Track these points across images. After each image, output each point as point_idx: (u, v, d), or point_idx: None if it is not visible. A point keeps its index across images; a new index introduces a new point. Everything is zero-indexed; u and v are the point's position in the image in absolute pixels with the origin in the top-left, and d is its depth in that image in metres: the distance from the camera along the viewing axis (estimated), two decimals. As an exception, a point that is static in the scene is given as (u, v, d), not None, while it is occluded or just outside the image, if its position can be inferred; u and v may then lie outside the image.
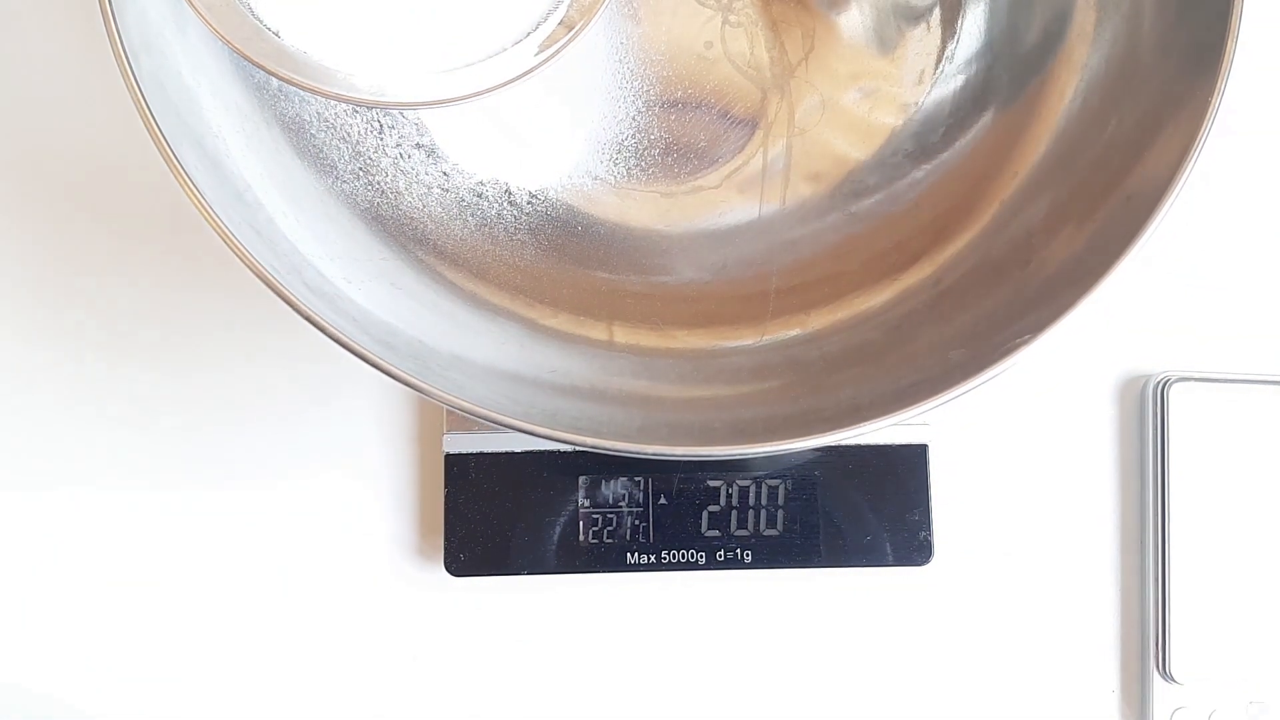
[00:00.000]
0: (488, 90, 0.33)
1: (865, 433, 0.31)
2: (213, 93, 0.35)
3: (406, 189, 0.42)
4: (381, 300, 0.36)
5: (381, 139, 0.41)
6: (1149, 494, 0.45)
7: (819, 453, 0.44)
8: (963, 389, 0.31)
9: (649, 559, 0.44)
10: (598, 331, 0.41)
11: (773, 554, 0.44)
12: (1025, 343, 0.31)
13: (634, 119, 0.44)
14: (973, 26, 0.42)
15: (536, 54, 0.34)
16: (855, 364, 0.37)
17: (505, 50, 0.34)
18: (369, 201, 0.40)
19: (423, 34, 0.33)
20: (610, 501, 0.44)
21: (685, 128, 0.44)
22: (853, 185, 0.43)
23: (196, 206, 0.31)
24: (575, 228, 0.43)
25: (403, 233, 0.41)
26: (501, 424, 0.31)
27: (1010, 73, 0.41)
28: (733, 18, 0.44)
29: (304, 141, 0.40)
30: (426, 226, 0.41)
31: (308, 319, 0.31)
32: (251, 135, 0.37)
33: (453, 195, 0.42)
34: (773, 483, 0.44)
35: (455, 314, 0.39)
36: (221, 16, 0.31)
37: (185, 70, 0.35)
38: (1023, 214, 0.38)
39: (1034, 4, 0.41)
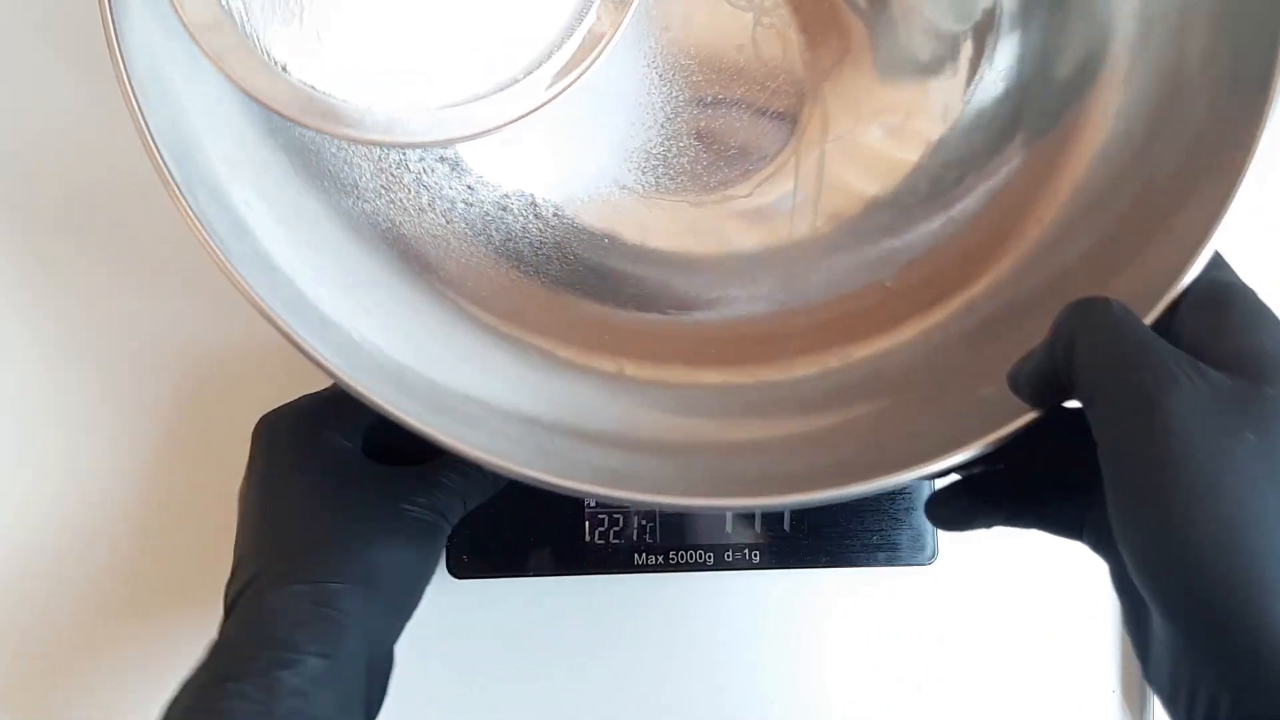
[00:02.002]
0: (506, 124, 0.32)
1: (898, 484, 0.30)
2: (215, 138, 0.35)
3: (430, 204, 0.41)
4: (393, 338, 0.36)
5: (404, 153, 0.41)
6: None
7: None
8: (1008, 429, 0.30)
9: (657, 560, 0.43)
10: (607, 365, 0.40)
11: (780, 555, 0.44)
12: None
13: (662, 125, 0.43)
14: (1007, 51, 0.40)
15: (549, 86, 0.33)
16: (885, 401, 0.36)
17: (519, 81, 0.33)
18: (390, 220, 0.40)
19: (435, 67, 0.32)
20: (617, 502, 0.43)
21: (715, 134, 0.43)
22: (888, 204, 0.41)
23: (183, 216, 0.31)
24: (602, 241, 0.42)
25: (425, 254, 0.40)
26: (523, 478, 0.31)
27: (1044, 103, 0.39)
28: (765, 19, 0.42)
29: (321, 162, 0.39)
30: (450, 244, 0.41)
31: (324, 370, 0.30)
32: (257, 163, 0.37)
33: (477, 210, 0.42)
34: None
35: (473, 349, 0.38)
36: (230, 58, 0.31)
37: (193, 111, 0.35)
38: (1060, 248, 0.36)
39: (1070, 29, 0.39)
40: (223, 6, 0.32)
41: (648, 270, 0.42)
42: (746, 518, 0.43)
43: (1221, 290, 0.29)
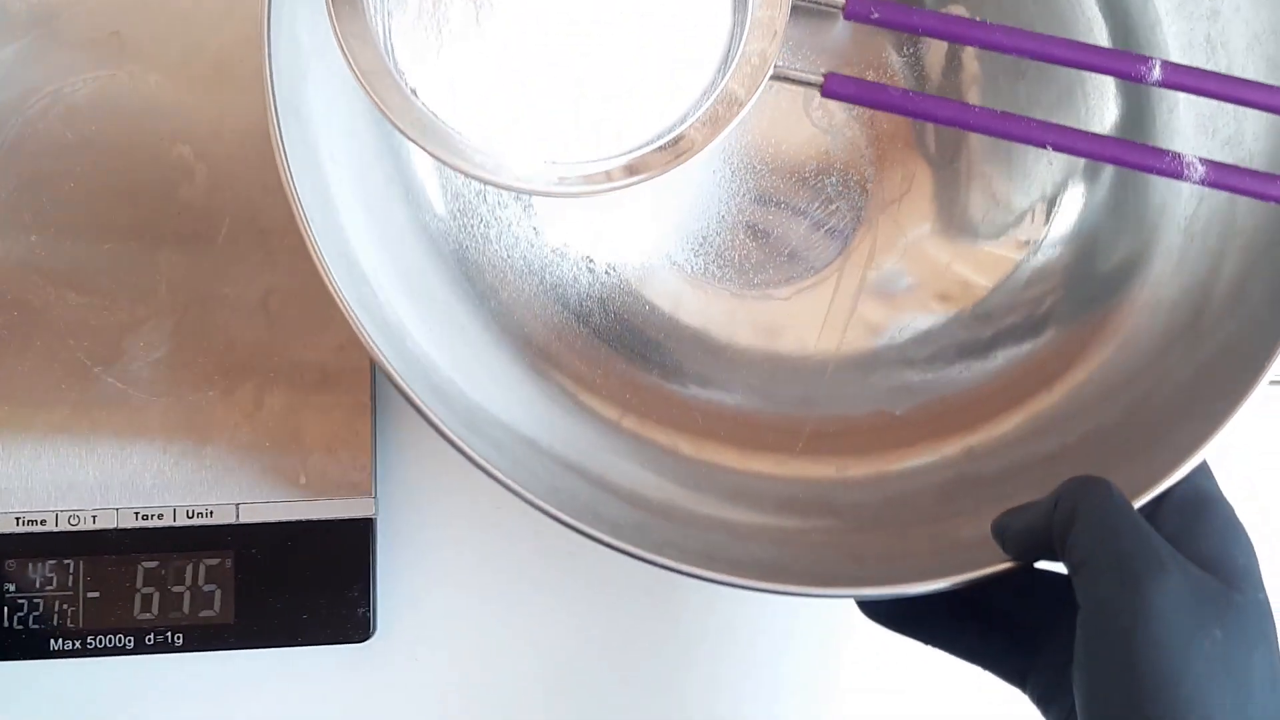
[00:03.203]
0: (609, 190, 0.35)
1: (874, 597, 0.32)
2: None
3: (497, 237, 0.43)
4: (443, 353, 0.38)
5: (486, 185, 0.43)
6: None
7: (260, 528, 0.43)
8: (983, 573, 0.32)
9: (74, 645, 0.42)
10: (628, 421, 0.43)
11: (207, 637, 0.42)
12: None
13: (723, 217, 0.45)
14: (1060, 235, 0.43)
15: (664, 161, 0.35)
16: (871, 518, 0.39)
17: (634, 151, 0.35)
18: (458, 243, 0.42)
19: (557, 124, 0.35)
20: (36, 585, 0.42)
21: (770, 235, 0.45)
22: (913, 341, 0.44)
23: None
24: (643, 306, 0.45)
25: (483, 279, 0.43)
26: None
27: (1084, 291, 0.42)
28: (839, 142, 0.45)
29: (409, 172, 0.42)
30: (506, 276, 0.43)
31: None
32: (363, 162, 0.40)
33: (537, 250, 0.44)
34: (211, 562, 0.42)
35: (509, 376, 0.41)
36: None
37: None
38: (1064, 423, 0.39)
39: (1121, 228, 0.42)
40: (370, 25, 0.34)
41: (678, 344, 0.45)
42: (174, 599, 0.42)
43: (1203, 497, 0.32)
